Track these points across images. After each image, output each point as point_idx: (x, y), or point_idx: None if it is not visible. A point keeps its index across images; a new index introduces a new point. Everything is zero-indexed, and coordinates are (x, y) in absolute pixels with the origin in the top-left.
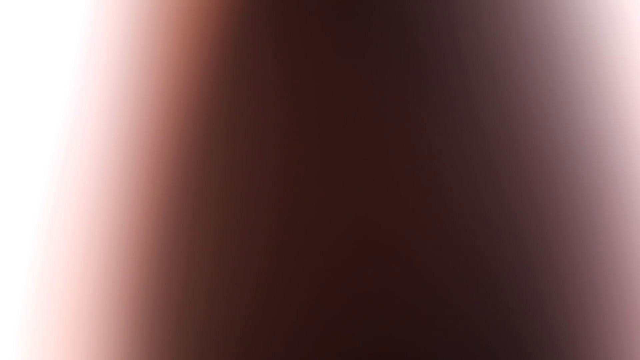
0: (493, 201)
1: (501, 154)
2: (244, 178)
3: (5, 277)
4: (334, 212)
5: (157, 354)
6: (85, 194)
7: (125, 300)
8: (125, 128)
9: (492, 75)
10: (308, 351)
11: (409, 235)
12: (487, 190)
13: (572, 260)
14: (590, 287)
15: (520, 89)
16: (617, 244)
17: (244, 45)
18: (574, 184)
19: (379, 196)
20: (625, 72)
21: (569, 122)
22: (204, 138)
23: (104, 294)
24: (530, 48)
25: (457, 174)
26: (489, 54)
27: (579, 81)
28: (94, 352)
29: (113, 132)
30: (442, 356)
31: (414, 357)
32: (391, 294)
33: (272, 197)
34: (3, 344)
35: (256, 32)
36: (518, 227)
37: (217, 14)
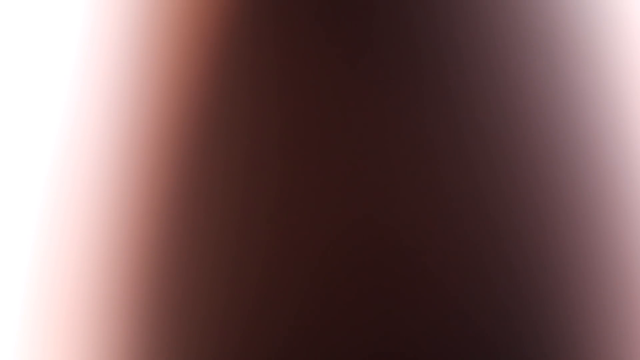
0: (494, 200)
1: (502, 154)
2: (244, 178)
3: (5, 277)
4: (335, 212)
5: (157, 354)
6: (85, 194)
7: (125, 300)
8: (124, 128)
9: (493, 76)
10: (308, 351)
11: (410, 234)
12: (488, 190)
13: (572, 260)
14: (590, 287)
15: (521, 90)
16: (617, 244)
17: (244, 47)
18: (574, 183)
19: (380, 196)
20: (625, 72)
21: (570, 122)
22: (204, 138)
23: (104, 293)
24: (531, 49)
25: (458, 174)
26: (490, 55)
27: (580, 81)
28: (94, 352)
29: (112, 132)
30: (443, 355)
31: (414, 355)
32: (392, 294)
33: (272, 197)
34: (3, 344)
35: (256, 33)
36: (519, 226)
37: (218, 16)
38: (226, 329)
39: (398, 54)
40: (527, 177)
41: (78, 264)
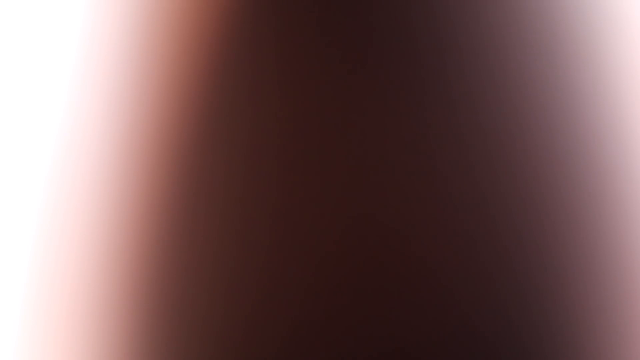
0: (494, 200)
1: (503, 154)
2: (244, 178)
3: (5, 277)
4: (335, 211)
5: (157, 354)
6: (85, 194)
7: (125, 300)
8: (124, 128)
9: (494, 76)
10: (309, 351)
11: (411, 234)
12: (488, 190)
13: (572, 260)
14: (591, 287)
15: (522, 90)
16: (617, 244)
17: (244, 47)
18: (574, 183)
19: (381, 196)
20: (625, 72)
21: (570, 122)
22: (204, 138)
23: (104, 294)
24: (532, 49)
25: (458, 174)
26: (491, 56)
27: (580, 82)
28: (93, 352)
29: (112, 132)
30: (442, 354)
31: (414, 355)
32: (392, 293)
33: (272, 196)
34: (3, 344)
35: (256, 33)
36: (519, 226)
37: (218, 16)
38: (226, 329)
39: (399, 55)
40: (528, 177)
41: (78, 264)
